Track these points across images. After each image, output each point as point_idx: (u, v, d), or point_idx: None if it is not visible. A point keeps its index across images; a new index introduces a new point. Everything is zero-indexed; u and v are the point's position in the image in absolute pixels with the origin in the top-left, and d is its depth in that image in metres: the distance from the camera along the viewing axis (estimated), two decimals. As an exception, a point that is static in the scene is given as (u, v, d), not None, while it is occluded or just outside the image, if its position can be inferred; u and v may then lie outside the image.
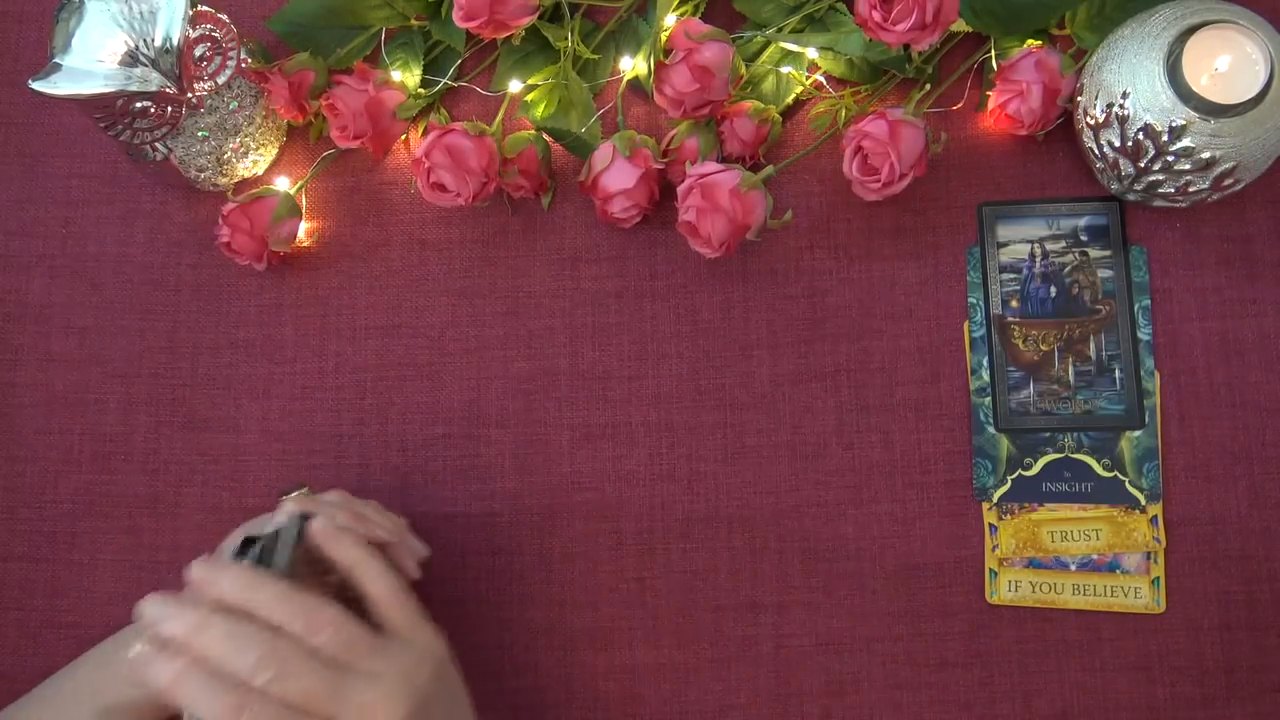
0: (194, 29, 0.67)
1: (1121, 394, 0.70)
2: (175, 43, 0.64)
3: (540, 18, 0.70)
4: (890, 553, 0.70)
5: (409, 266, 0.75)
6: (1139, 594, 0.69)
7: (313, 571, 0.59)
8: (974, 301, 0.72)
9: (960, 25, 0.71)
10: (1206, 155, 0.64)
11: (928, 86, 0.72)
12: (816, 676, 0.69)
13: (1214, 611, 0.69)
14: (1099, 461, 0.70)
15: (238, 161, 0.73)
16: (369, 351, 0.74)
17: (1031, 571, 0.70)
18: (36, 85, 0.63)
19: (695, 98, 0.68)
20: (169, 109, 0.67)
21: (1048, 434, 0.71)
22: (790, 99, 0.73)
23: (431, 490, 0.72)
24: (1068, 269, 0.72)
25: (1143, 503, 0.70)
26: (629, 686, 0.70)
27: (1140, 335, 0.71)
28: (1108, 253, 0.72)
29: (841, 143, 0.70)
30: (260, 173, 0.75)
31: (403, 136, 0.75)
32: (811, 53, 0.72)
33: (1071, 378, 0.71)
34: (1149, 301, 0.71)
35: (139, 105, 0.65)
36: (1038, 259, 0.72)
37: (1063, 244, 0.72)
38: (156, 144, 0.69)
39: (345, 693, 0.49)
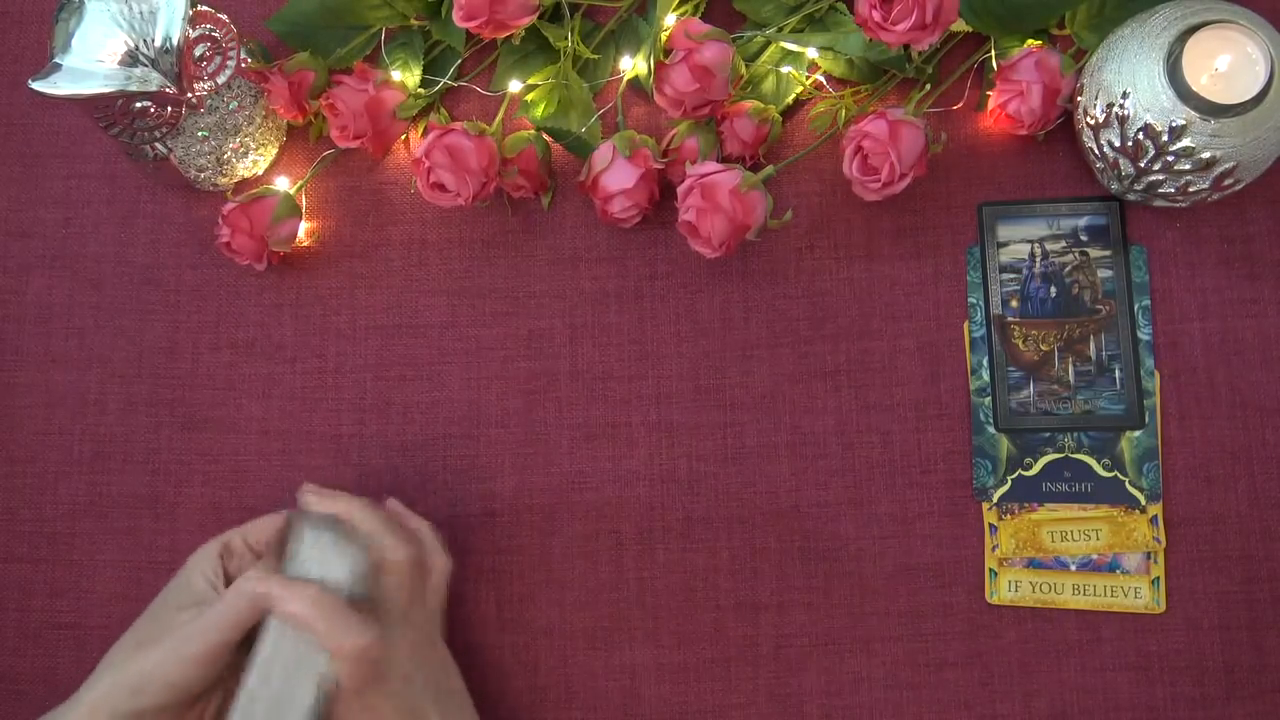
0: (194, 29, 0.67)
1: (1121, 394, 0.70)
2: (175, 43, 0.64)
3: (540, 18, 0.70)
4: (890, 553, 0.70)
5: (409, 266, 0.74)
6: (1139, 594, 0.69)
7: None
8: (974, 301, 0.72)
9: (960, 25, 0.71)
10: (1206, 155, 0.64)
11: (928, 86, 0.72)
12: (816, 676, 0.69)
13: (1214, 611, 0.69)
14: (1099, 461, 0.70)
15: (238, 161, 0.73)
16: (369, 351, 0.74)
17: (1031, 571, 0.70)
18: (36, 85, 0.63)
19: (695, 98, 0.68)
20: (169, 109, 0.67)
21: (1048, 434, 0.71)
22: (790, 99, 0.73)
23: (431, 490, 0.72)
24: (1068, 269, 0.72)
25: (1143, 503, 0.69)
26: (629, 686, 0.70)
27: (1140, 335, 0.71)
28: (1108, 253, 0.72)
29: (841, 143, 0.70)
30: (260, 173, 0.75)
31: (403, 136, 0.75)
32: (811, 53, 0.72)
33: (1071, 378, 0.71)
34: (1149, 301, 0.71)
35: (139, 105, 0.66)
36: (1038, 259, 0.72)
37: (1063, 244, 0.72)
38: (156, 144, 0.69)
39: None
